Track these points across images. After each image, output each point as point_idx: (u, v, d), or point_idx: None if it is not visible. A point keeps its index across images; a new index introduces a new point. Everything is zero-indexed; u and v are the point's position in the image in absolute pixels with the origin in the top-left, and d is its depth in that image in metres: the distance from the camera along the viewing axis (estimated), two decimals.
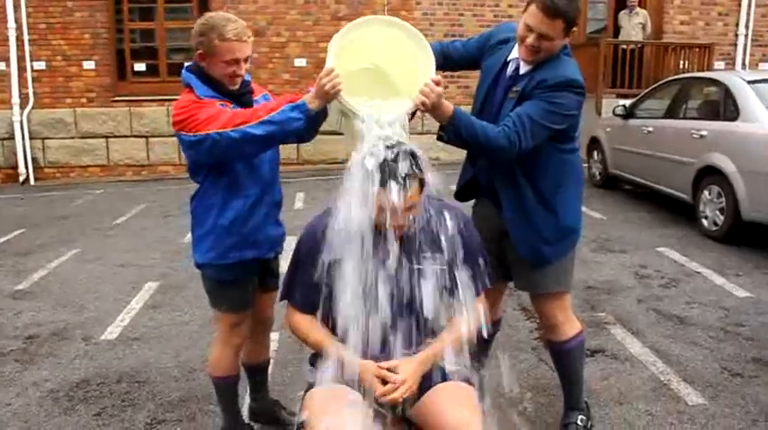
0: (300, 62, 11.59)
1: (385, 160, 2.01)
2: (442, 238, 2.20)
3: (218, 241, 2.57)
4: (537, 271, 2.77)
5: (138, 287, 5.37)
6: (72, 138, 11.54)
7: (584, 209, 7.37)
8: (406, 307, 2.17)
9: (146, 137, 11.61)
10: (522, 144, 2.44)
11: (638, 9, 11.45)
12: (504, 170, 2.66)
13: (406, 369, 2.12)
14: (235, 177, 2.51)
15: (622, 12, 11.64)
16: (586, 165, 9.60)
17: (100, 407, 3.45)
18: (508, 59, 2.64)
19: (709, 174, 6.31)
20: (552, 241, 2.71)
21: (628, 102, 8.63)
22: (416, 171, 2.03)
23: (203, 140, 2.32)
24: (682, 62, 11.05)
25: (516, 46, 2.59)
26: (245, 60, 2.47)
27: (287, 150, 11.45)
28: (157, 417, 3.32)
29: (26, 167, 11.39)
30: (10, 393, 3.65)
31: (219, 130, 2.28)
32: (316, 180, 10.29)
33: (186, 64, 2.59)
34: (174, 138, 11.49)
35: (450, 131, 2.42)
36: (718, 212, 6.23)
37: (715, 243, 6.21)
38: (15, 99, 11.22)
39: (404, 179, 1.99)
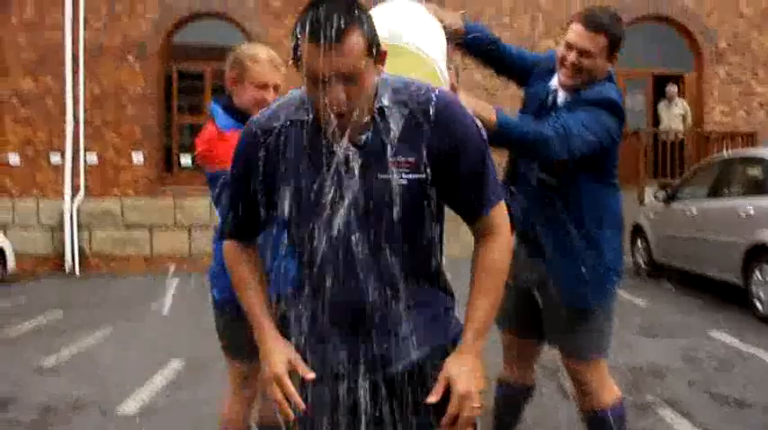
0: None
1: (316, 9, 1.40)
2: (414, 134, 1.53)
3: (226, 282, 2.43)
4: (575, 330, 2.52)
5: (162, 364, 5.26)
6: (118, 229, 11.79)
7: (628, 296, 7.21)
8: (368, 225, 1.55)
9: (189, 229, 11.78)
10: (572, 141, 2.23)
11: (677, 100, 11.45)
12: (546, 205, 2.47)
13: (462, 373, 1.54)
14: None
15: (662, 102, 11.65)
16: (630, 255, 9.33)
17: None
18: (550, 90, 2.50)
19: (760, 254, 6.02)
20: (594, 283, 2.47)
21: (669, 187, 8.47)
22: (354, 22, 1.40)
23: (219, 177, 2.30)
24: (725, 151, 10.86)
25: (555, 76, 2.45)
26: (275, 89, 2.46)
27: None
28: None
29: (72, 258, 11.61)
30: None
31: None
32: None
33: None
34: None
35: (498, 138, 2.14)
36: None
37: None
38: (67, 190, 11.62)
39: (333, 31, 1.37)
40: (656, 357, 5.08)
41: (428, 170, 1.53)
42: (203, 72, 12.03)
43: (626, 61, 11.84)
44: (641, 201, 10.31)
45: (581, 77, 2.37)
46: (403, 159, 1.52)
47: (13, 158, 11.92)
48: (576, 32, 2.35)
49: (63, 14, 11.61)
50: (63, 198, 11.65)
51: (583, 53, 2.33)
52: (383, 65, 1.51)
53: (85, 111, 11.75)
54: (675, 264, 7.90)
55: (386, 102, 1.53)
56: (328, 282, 1.58)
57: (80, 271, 11.60)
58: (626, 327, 5.96)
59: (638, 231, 8.99)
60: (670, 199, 8.03)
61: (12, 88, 11.89)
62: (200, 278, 10.48)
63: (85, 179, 11.78)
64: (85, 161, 11.79)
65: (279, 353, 1.63)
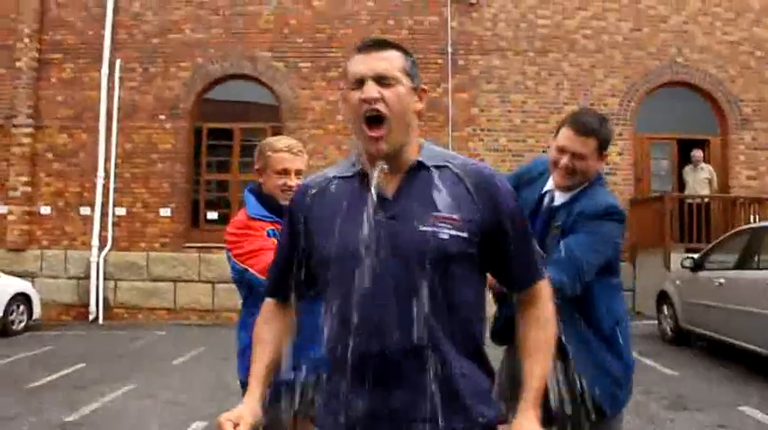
0: None
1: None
2: (458, 195, 1.59)
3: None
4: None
5: (185, 426, 5.25)
6: (143, 280, 11.93)
7: (654, 364, 7.09)
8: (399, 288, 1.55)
9: (212, 282, 11.88)
10: (584, 275, 2.31)
11: (703, 164, 11.45)
12: (562, 308, 2.36)
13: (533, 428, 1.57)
14: None
15: (687, 167, 11.64)
16: (656, 321, 9.20)
17: None
18: (543, 191, 2.56)
19: None
20: (623, 384, 2.46)
21: (696, 254, 8.39)
22: (398, 47, 1.64)
23: (243, 272, 2.53)
24: (752, 216, 10.78)
25: (551, 177, 2.53)
26: (297, 173, 2.63)
27: None
28: None
29: (97, 307, 11.73)
30: None
31: (258, 275, 2.44)
32: None
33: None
34: None
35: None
36: None
37: None
38: (95, 241, 11.83)
39: (376, 43, 1.64)
40: None
41: (471, 231, 1.56)
42: (232, 130, 12.31)
43: (651, 126, 12.15)
44: (667, 267, 10.20)
45: (575, 178, 2.46)
46: (447, 215, 1.55)
47: (45, 209, 12.20)
48: (567, 137, 2.44)
49: (99, 74, 12.04)
50: (90, 249, 11.84)
51: (575, 156, 2.42)
52: (422, 101, 1.63)
53: (116, 166, 12.05)
54: (702, 331, 7.78)
55: (426, 160, 1.61)
56: (361, 331, 1.56)
57: (104, 320, 11.71)
58: (654, 400, 5.86)
59: (663, 297, 8.88)
60: (698, 267, 7.95)
61: (48, 143, 12.27)
62: (222, 332, 10.64)
63: (113, 231, 11.99)
64: (114, 214, 12.02)
65: (240, 406, 1.64)
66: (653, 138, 12.41)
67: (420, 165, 1.60)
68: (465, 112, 12.16)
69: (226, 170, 12.56)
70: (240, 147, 12.30)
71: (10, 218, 12.10)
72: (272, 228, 2.57)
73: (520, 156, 11.96)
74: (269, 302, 1.80)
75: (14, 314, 10.14)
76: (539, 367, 1.62)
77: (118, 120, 12.06)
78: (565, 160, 2.43)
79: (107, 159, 12.01)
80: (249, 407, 1.64)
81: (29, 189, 12.14)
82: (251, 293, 2.58)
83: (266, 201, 2.65)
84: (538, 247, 1.71)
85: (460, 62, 12.21)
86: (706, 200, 11.12)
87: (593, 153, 2.43)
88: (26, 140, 12.14)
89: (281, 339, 1.77)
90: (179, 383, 6.80)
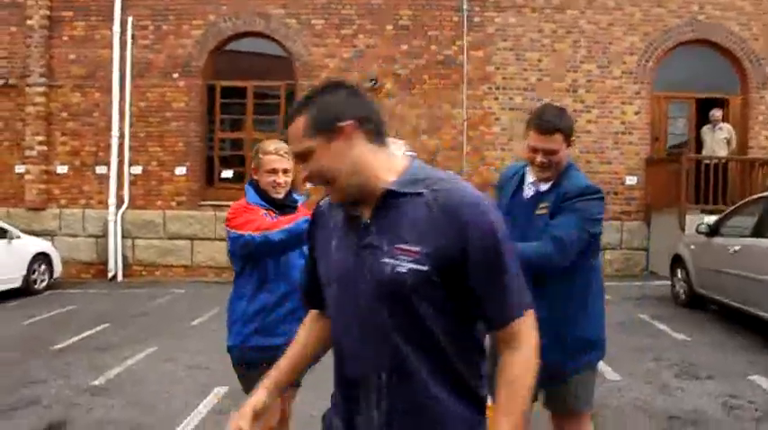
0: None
1: None
2: (424, 223, 1.54)
3: (245, 327, 2.99)
4: (560, 387, 2.79)
5: (206, 391, 5.39)
6: (160, 238, 12.08)
7: (666, 328, 7.16)
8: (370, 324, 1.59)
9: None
10: (570, 249, 2.62)
11: (722, 124, 11.31)
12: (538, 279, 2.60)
13: None
14: (265, 275, 2.99)
15: (705, 127, 11.52)
16: (669, 282, 9.25)
17: None
18: (525, 184, 2.88)
19: None
20: (574, 355, 2.77)
21: (712, 219, 8.37)
22: (300, 108, 1.59)
23: (239, 238, 2.92)
24: None
25: (529, 171, 2.87)
26: (284, 172, 3.08)
27: None
28: None
29: (115, 265, 11.93)
30: None
31: (252, 233, 2.87)
32: None
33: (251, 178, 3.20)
34: None
35: None
36: None
37: None
38: (112, 200, 11.94)
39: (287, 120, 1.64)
40: (695, 404, 5.04)
41: (432, 264, 1.50)
42: (246, 88, 12.25)
43: (669, 85, 11.98)
44: (682, 228, 10.20)
45: (551, 170, 2.79)
46: (405, 247, 1.52)
47: (62, 169, 12.29)
48: (535, 139, 2.75)
49: (111, 32, 11.96)
50: (107, 208, 11.97)
51: (547, 152, 2.74)
52: (345, 134, 1.54)
53: (131, 124, 12.06)
54: (716, 297, 7.82)
55: (400, 187, 1.56)
56: (340, 355, 1.68)
57: (123, 277, 11.91)
58: (665, 367, 5.95)
59: (677, 261, 8.90)
60: (713, 233, 7.95)
61: (61, 102, 12.28)
62: None
63: (129, 190, 12.09)
64: (130, 173, 12.10)
65: (252, 399, 1.82)
66: (671, 98, 12.25)
67: (391, 194, 1.57)
68: (480, 71, 12.02)
69: (239, 128, 12.56)
70: (254, 105, 12.27)
71: (27, 177, 12.22)
72: (266, 212, 3.01)
73: None
74: (311, 311, 1.92)
75: (36, 273, 10.35)
76: (506, 426, 1.53)
77: (131, 79, 12.04)
78: (539, 158, 2.75)
79: (121, 118, 12.03)
80: (258, 395, 1.81)
81: (45, 148, 12.22)
82: (245, 264, 3.00)
83: (262, 193, 3.08)
84: (521, 283, 1.58)
85: (476, 19, 12.01)
86: (723, 161, 11.03)
87: (561, 145, 2.74)
88: (40, 100, 12.16)
89: (312, 343, 1.89)
90: (199, 346, 6.94)
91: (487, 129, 11.95)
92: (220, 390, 5.39)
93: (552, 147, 2.72)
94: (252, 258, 2.96)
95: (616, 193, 11.94)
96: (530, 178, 2.87)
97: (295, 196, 3.19)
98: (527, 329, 1.58)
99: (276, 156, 3.05)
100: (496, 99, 12.03)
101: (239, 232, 2.91)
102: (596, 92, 12.02)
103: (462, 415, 1.59)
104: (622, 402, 5.04)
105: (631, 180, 11.97)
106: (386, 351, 1.56)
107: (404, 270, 1.51)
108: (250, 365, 2.92)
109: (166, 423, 4.66)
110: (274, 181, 3.05)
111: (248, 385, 2.89)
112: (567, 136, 2.75)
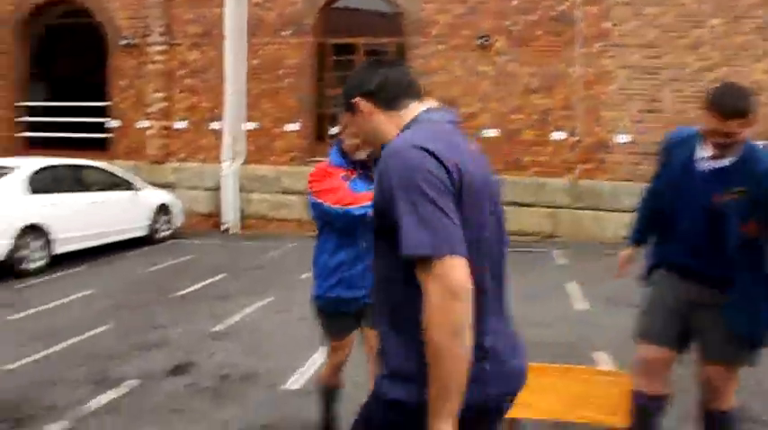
0: (490, 133, 11.71)
1: None
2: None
3: (327, 280, 3.26)
4: (736, 352, 2.92)
5: (317, 344, 5.57)
6: (273, 193, 12.48)
7: None
8: None
9: None
10: None
11: None
12: (741, 252, 2.78)
13: None
14: (344, 234, 3.18)
15: None
16: None
17: None
18: (697, 157, 2.85)
19: None
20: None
21: None
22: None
23: (319, 205, 3.16)
24: None
25: (701, 142, 2.82)
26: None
27: None
28: None
29: (230, 217, 12.45)
30: (202, 427, 3.93)
31: (332, 205, 3.11)
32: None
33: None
34: None
35: None
36: None
37: None
38: (227, 155, 12.41)
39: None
40: None
41: (375, 207, 1.74)
42: (356, 45, 12.31)
43: None
44: None
45: (731, 150, 2.72)
46: (369, 194, 1.94)
47: (180, 124, 12.87)
48: (716, 122, 2.65)
49: None
50: (223, 163, 12.46)
51: (729, 135, 2.66)
52: (362, 111, 1.86)
53: (245, 81, 12.42)
54: None
55: (386, 149, 1.75)
56: None
57: (238, 230, 12.42)
58: None
59: None
60: None
61: (179, 60, 12.79)
62: None
63: (244, 145, 12.52)
64: (244, 129, 12.51)
65: None
66: None
67: (383, 150, 1.78)
68: (595, 27, 11.51)
69: None
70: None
71: (149, 132, 12.88)
72: (345, 173, 3.21)
73: (654, 74, 11.31)
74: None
75: (159, 223, 10.97)
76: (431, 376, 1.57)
77: (245, 37, 12.35)
78: (719, 140, 2.69)
79: (236, 75, 12.39)
80: None
81: (165, 104, 12.81)
82: (325, 224, 3.25)
83: (344, 154, 3.26)
84: (417, 230, 1.56)
85: None
86: None
87: (743, 125, 2.63)
88: (160, 58, 12.72)
89: None
90: (308, 298, 7.19)
91: (603, 89, 11.49)
92: None
93: (734, 131, 2.64)
94: (330, 223, 3.21)
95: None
96: (704, 151, 2.82)
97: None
98: (426, 278, 1.56)
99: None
100: (612, 57, 11.51)
101: (319, 200, 3.15)
102: (722, 49, 11.26)
103: (395, 362, 1.70)
104: None
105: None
106: (375, 287, 1.84)
107: (370, 213, 1.87)
108: (331, 314, 3.31)
109: (282, 372, 4.88)
110: (356, 143, 3.17)
111: (329, 331, 3.39)
112: (751, 118, 2.64)
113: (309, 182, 3.21)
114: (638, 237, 3.31)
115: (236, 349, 5.42)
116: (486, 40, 11.54)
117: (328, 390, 3.61)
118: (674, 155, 2.96)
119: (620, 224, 11.34)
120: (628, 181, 11.31)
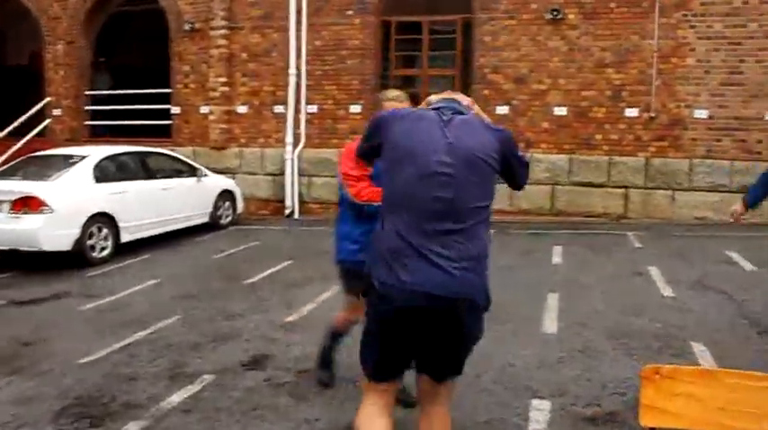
0: (560, 111, 11.22)
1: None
2: None
3: (352, 245, 3.71)
4: None
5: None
6: (335, 176, 12.22)
7: None
8: None
9: None
10: None
11: None
12: None
13: None
14: (364, 213, 3.59)
15: None
16: None
17: None
18: None
19: None
20: None
21: None
22: None
23: (342, 189, 3.73)
24: None
25: None
26: None
27: (540, 202, 11.12)
28: None
29: (292, 202, 12.30)
30: (284, 427, 3.71)
31: (353, 197, 3.63)
32: (571, 233, 9.77)
33: None
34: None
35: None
36: None
37: None
38: (289, 139, 12.25)
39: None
40: None
41: None
42: (421, 23, 11.91)
43: None
44: None
45: None
46: None
47: (242, 109, 12.76)
48: None
49: None
50: (285, 146, 12.30)
51: None
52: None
53: (307, 63, 12.20)
54: None
55: None
56: None
57: (299, 214, 12.27)
58: None
59: None
60: None
61: (242, 43, 12.66)
62: None
63: (306, 128, 12.33)
64: (306, 111, 12.31)
65: None
66: None
67: None
68: None
69: (414, 65, 12.32)
70: (429, 40, 11.93)
71: (211, 117, 12.81)
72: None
73: (737, 45, 10.60)
74: None
75: (221, 209, 10.88)
76: None
77: (307, 18, 12.10)
78: None
79: (298, 57, 12.18)
80: None
81: (227, 89, 12.71)
82: (343, 204, 3.81)
83: None
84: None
85: None
86: None
87: None
88: (222, 42, 12.61)
89: None
90: None
91: (681, 62, 10.82)
92: None
93: None
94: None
95: None
96: None
97: None
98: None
99: (396, 102, 3.45)
100: (693, 27, 10.81)
101: (344, 185, 3.68)
102: None
103: None
104: None
105: None
106: None
107: None
108: (355, 275, 3.37)
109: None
110: None
111: (351, 291, 3.81)
112: None
113: (339, 162, 3.59)
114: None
115: (313, 341, 5.15)
116: (557, 14, 11.00)
117: (336, 333, 4.17)
118: None
119: (696, 204, 10.78)
120: (705, 158, 10.72)
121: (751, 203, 3.77)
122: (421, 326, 2.46)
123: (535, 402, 3.95)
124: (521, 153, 2.73)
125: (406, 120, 2.59)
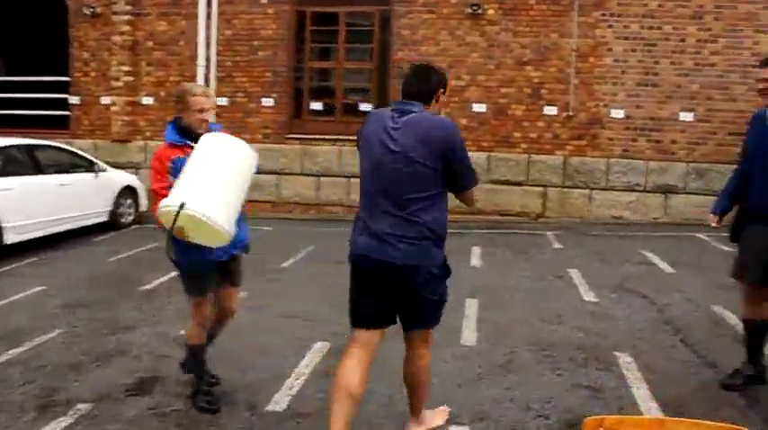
0: (480, 107, 11.01)
1: None
2: None
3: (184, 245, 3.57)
4: None
5: (306, 346, 4.88)
6: None
7: None
8: None
9: (316, 176, 11.51)
10: None
11: None
12: None
13: None
14: None
15: None
16: None
17: None
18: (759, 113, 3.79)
19: None
20: None
21: None
22: None
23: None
24: None
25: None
26: (208, 111, 3.65)
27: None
28: None
29: None
30: None
31: (155, 191, 3.64)
32: (490, 233, 9.55)
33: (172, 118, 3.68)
34: (343, 179, 11.25)
35: None
36: None
37: None
38: None
39: None
40: None
41: None
42: (337, 14, 11.45)
43: None
44: None
45: None
46: None
47: (147, 100, 11.97)
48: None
49: None
50: None
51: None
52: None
53: (217, 53, 11.54)
54: None
55: None
56: None
57: None
58: None
59: None
60: None
61: (147, 30, 11.88)
62: (326, 229, 10.17)
63: (217, 122, 11.62)
64: (216, 105, 11.62)
65: None
66: None
67: None
68: None
69: (330, 57, 11.84)
70: (346, 32, 11.48)
71: (113, 109, 11.97)
72: (181, 155, 3.51)
73: (652, 46, 10.66)
74: None
75: (122, 208, 10.11)
76: None
77: (217, 5, 11.43)
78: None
79: (207, 47, 11.49)
80: None
81: (131, 79, 11.90)
82: None
83: (182, 131, 3.62)
84: None
85: None
86: None
87: None
88: (126, 28, 11.79)
89: None
90: (292, 291, 6.48)
91: (598, 61, 10.81)
92: (321, 346, 4.86)
93: None
94: None
95: (739, 134, 10.67)
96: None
97: (212, 125, 3.73)
98: None
99: (204, 97, 3.61)
100: (610, 27, 10.81)
101: (151, 179, 3.68)
102: (725, 19, 10.62)
103: None
104: None
105: None
106: None
107: None
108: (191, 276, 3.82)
109: (265, 386, 4.15)
110: (203, 119, 3.60)
111: (188, 289, 3.89)
112: None
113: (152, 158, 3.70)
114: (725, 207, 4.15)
115: (209, 359, 4.66)
116: (477, 9, 10.77)
117: (194, 347, 3.98)
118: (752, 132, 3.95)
119: (612, 204, 10.81)
120: (621, 158, 10.77)
121: (721, 212, 4.15)
122: (379, 285, 3.06)
123: (453, 429, 3.58)
124: (465, 156, 3.04)
125: (373, 120, 3.08)
